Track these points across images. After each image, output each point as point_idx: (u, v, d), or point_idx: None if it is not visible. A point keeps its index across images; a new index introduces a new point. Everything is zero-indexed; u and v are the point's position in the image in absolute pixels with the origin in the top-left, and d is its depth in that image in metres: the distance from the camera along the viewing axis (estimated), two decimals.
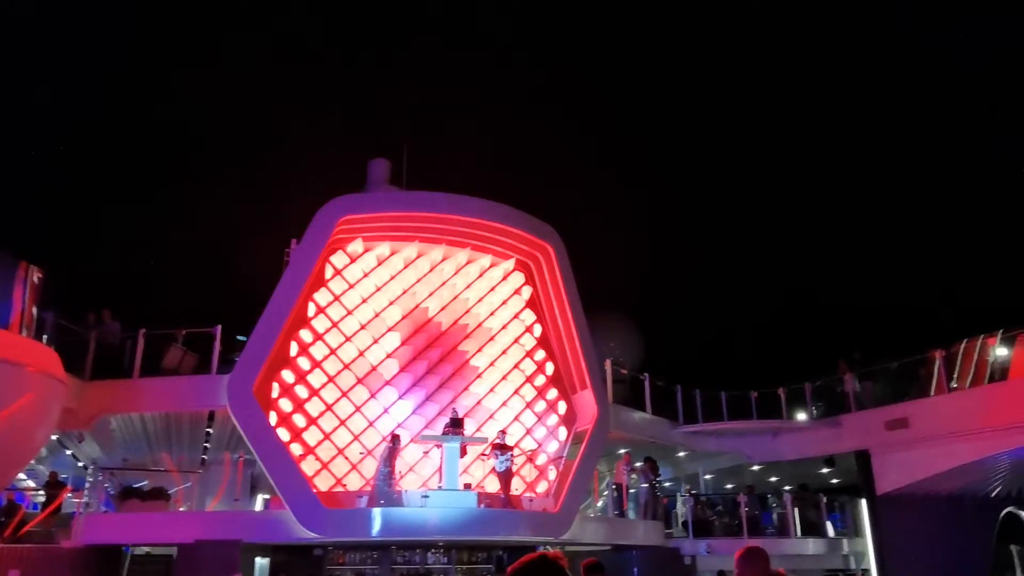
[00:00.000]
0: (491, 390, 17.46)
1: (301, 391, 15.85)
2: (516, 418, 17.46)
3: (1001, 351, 18.25)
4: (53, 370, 12.78)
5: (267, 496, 17.59)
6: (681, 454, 21.95)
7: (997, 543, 20.04)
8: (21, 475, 16.58)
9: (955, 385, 18.44)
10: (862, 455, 19.81)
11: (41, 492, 17.41)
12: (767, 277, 39.05)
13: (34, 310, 14.03)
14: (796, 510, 20.57)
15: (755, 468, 23.13)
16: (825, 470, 22.39)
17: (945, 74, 36.38)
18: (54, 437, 15.58)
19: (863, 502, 20.07)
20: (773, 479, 24.96)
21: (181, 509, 16.73)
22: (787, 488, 22.86)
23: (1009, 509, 20.12)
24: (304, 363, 16.08)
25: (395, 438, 14.79)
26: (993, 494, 19.86)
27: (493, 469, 15.82)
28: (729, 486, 25.31)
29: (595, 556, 4.51)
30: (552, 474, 17.39)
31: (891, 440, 18.95)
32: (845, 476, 22.53)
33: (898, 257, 36.49)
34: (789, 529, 20.30)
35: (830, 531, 21.23)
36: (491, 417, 17.19)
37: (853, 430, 19.90)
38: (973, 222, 35.12)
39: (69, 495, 17.20)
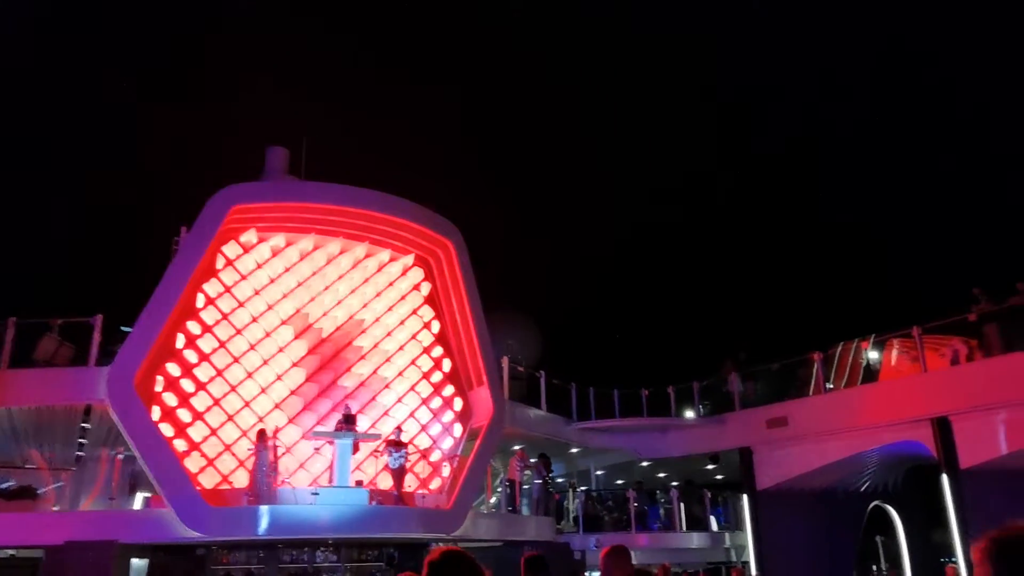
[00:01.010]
0: (386, 386, 17.27)
1: (187, 385, 15.24)
2: (411, 415, 17.34)
3: (873, 354, 19.39)
4: None
5: (148, 494, 16.83)
6: (574, 450, 22.31)
7: (864, 535, 21.30)
8: None
9: (831, 386, 19.46)
10: (745, 452, 20.65)
11: None
12: (661, 280, 40.19)
13: None
14: (682, 505, 21.27)
15: (644, 464, 23.77)
16: (710, 466, 23.23)
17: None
18: None
19: (745, 497, 20.93)
20: (661, 475, 25.70)
21: (54, 509, 15.80)
22: (674, 484, 23.59)
23: (876, 502, 21.41)
24: (191, 356, 15.46)
25: (261, 434, 14.35)
26: (862, 489, 21.08)
27: (386, 466, 15.65)
28: (619, 482, 25.91)
29: (536, 550, 4.61)
30: (446, 471, 17.35)
31: (772, 438, 19.82)
32: (729, 472, 23.43)
33: (781, 263, 38.20)
34: (675, 523, 20.98)
35: (714, 525, 22.07)
36: (386, 414, 17.00)
37: (737, 428, 20.71)
38: (854, 233, 37.18)
39: None
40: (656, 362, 32.45)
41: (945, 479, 16.44)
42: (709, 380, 22.31)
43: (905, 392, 17.50)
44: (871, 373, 19.13)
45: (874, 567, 20.42)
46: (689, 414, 22.17)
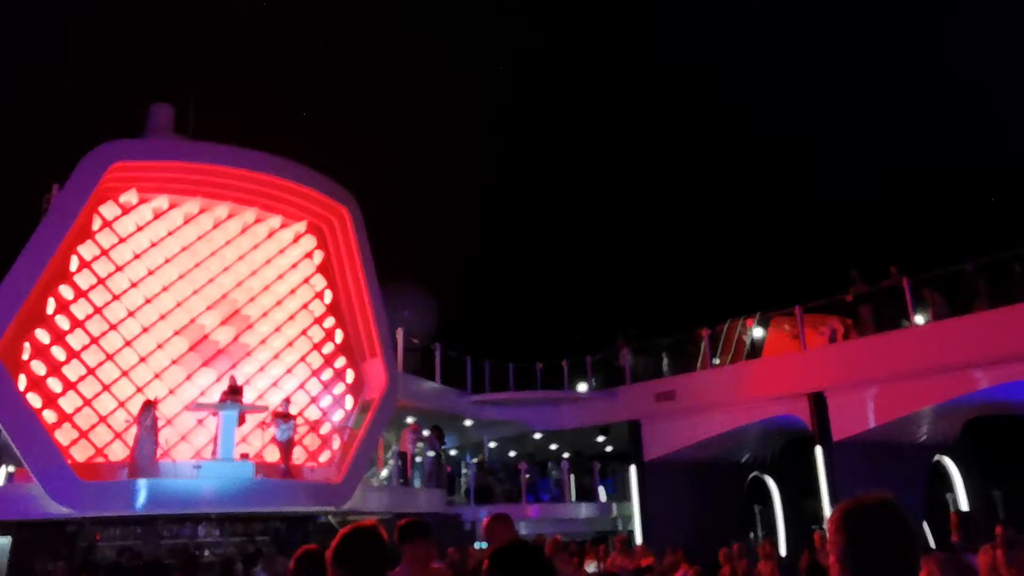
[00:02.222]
0: (275, 357, 16.76)
1: (58, 353, 14.33)
2: (301, 386, 16.92)
3: (757, 331, 20.18)
4: None
5: (12, 468, 15.82)
6: (468, 423, 22.35)
7: (743, 504, 22.30)
8: None
9: (717, 361, 20.15)
10: (634, 425, 21.17)
11: None
12: (557, 253, 40.63)
13: None
14: (572, 477, 21.68)
15: (537, 436, 24.07)
16: (600, 438, 23.75)
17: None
18: None
19: (632, 468, 21.51)
20: (553, 447, 26.11)
21: None
22: (565, 456, 24.01)
23: (755, 473, 22.42)
24: (63, 322, 14.52)
25: (147, 404, 13.70)
26: (743, 460, 22.02)
27: (274, 438, 15.22)
28: (512, 454, 26.18)
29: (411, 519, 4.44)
30: (336, 443, 17.05)
31: (659, 411, 20.39)
32: (619, 444, 24.02)
33: (673, 242, 39.24)
34: (566, 494, 21.38)
35: (602, 496, 22.61)
36: (274, 385, 16.52)
37: (627, 401, 21.20)
38: (742, 213, 38.52)
39: None
40: (551, 336, 32.88)
41: (819, 451, 17.32)
42: (602, 354, 22.71)
43: (785, 368, 18.30)
44: (755, 350, 19.91)
45: (751, 534, 21.41)
46: (582, 387, 22.53)
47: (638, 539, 20.00)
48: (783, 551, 19.65)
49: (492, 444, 24.79)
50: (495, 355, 22.30)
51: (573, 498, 21.54)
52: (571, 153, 42.52)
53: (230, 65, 36.92)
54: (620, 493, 22.98)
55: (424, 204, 40.13)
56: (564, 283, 39.64)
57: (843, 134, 38.28)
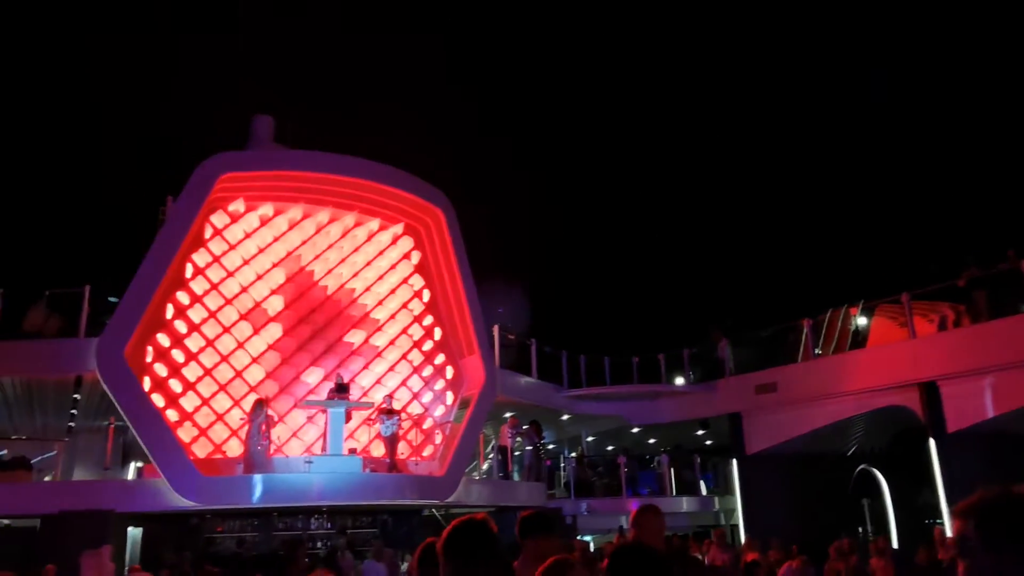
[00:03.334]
0: (378, 355, 17.30)
1: (178, 355, 15.23)
2: (403, 383, 17.40)
3: (861, 320, 19.53)
4: None
5: (140, 464, 16.91)
6: (565, 417, 22.47)
7: (851, 498, 21.61)
8: None
9: (819, 352, 19.60)
10: (734, 418, 20.83)
11: None
12: (652, 245, 40.25)
13: None
14: (672, 470, 21.51)
15: (635, 430, 23.98)
16: (700, 432, 23.47)
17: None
18: None
19: (734, 462, 21.17)
20: (652, 441, 25.95)
21: (46, 479, 15.86)
22: (664, 449, 23.84)
23: (863, 466, 21.70)
24: (181, 326, 15.42)
25: (259, 403, 14.37)
26: (849, 453, 21.35)
27: (379, 434, 15.73)
28: (610, 448, 26.16)
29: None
30: (438, 438, 17.47)
31: (761, 403, 20.00)
32: (718, 438, 23.67)
33: (771, 229, 38.28)
34: (666, 488, 21.24)
35: (703, 490, 22.35)
36: (378, 382, 17.05)
37: (726, 394, 20.88)
38: (840, 199, 37.23)
39: None
40: (646, 330, 32.64)
41: (932, 443, 16.65)
42: (699, 347, 22.43)
43: (894, 357, 17.64)
44: (860, 339, 19.27)
45: (860, 529, 20.72)
46: (679, 381, 22.32)
47: (741, 533, 19.72)
48: (895, 546, 18.97)
49: (590, 438, 24.84)
50: (590, 350, 22.35)
51: (673, 492, 21.37)
52: (666, 142, 41.99)
53: (325, 72, 38.15)
54: (722, 487, 22.67)
55: (518, 200, 40.46)
56: (659, 276, 39.25)
57: (953, 113, 36.49)
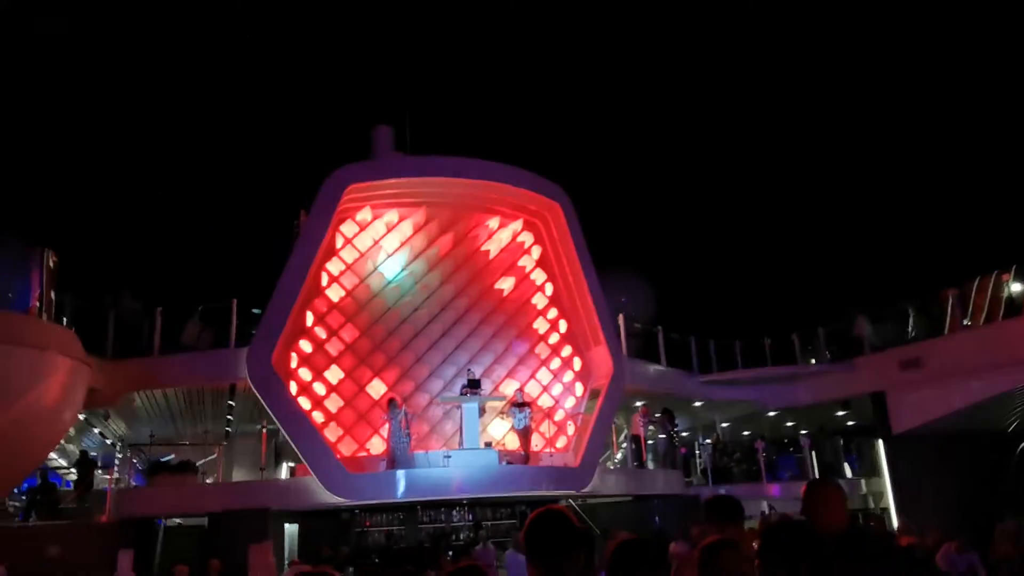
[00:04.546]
0: (506, 349, 17.63)
1: (319, 360, 16.07)
2: (532, 376, 17.66)
3: (1015, 286, 18.21)
4: (74, 352, 13.01)
5: (292, 464, 17.93)
6: (697, 404, 22.14)
7: (1015, 477, 20.21)
8: (52, 455, 16.91)
9: (968, 323, 18.44)
10: (877, 396, 19.91)
11: (72, 470, 17.81)
12: (775, 222, 38.92)
13: (52, 294, 14.26)
14: (813, 453, 20.79)
15: (771, 414, 23.32)
16: (841, 413, 22.55)
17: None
18: (81, 416, 15.89)
19: (879, 443, 20.23)
20: (789, 424, 25.15)
21: (208, 481, 17.10)
22: (803, 432, 23.05)
23: None
24: (320, 332, 16.28)
25: (391, 401, 14.92)
26: (1009, 429, 19.98)
27: (512, 427, 16.05)
28: (746, 433, 25.55)
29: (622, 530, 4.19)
30: (571, 429, 17.63)
31: (906, 380, 19.01)
32: (860, 418, 22.67)
33: (904, 197, 36.22)
34: (808, 472, 20.54)
35: (848, 473, 21.47)
36: (508, 376, 17.38)
37: (867, 372, 19.97)
38: (978, 159, 34.79)
39: (99, 472, 17.59)
40: (777, 311, 31.62)
41: None
42: (835, 325, 21.55)
43: None
44: (1014, 307, 17.98)
45: None
46: (815, 361, 21.52)
47: (892, 518, 18.87)
48: None
49: (724, 424, 24.37)
50: (720, 334, 21.89)
51: (816, 475, 20.64)
52: (787, 114, 40.49)
53: (436, 75, 39.03)
54: (867, 469, 21.71)
55: (638, 186, 40.10)
56: (786, 253, 37.91)
57: None
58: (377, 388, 16.26)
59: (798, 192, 39.72)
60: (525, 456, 15.51)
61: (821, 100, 40.10)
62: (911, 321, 19.76)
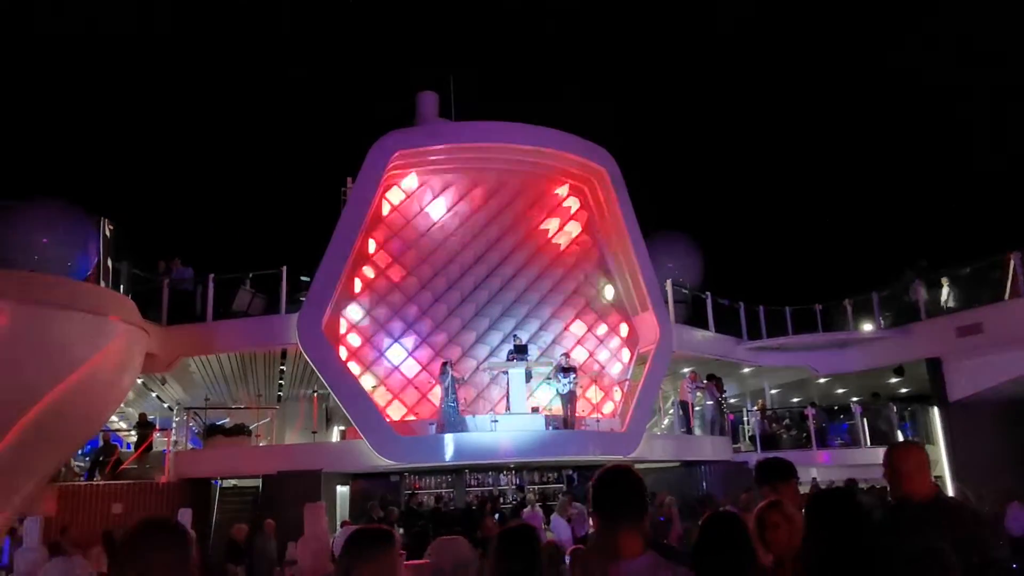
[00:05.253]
0: (553, 315, 17.61)
1: (368, 325, 16.26)
2: (579, 342, 17.62)
3: None
4: (132, 318, 13.35)
5: (343, 427, 18.27)
6: (746, 370, 21.92)
7: None
8: (113, 417, 17.48)
9: None
10: (933, 363, 19.45)
11: (132, 432, 18.41)
12: (826, 185, 37.97)
13: (109, 262, 14.63)
14: (865, 420, 20.45)
15: (821, 381, 22.97)
16: (894, 379, 22.11)
17: None
18: (139, 381, 16.36)
19: (935, 410, 19.81)
20: (840, 391, 24.76)
21: (262, 444, 17.52)
22: (855, 399, 22.68)
23: None
24: (367, 299, 16.44)
25: (444, 364, 15.03)
26: None
27: (558, 392, 16.07)
28: (795, 400, 25.24)
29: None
30: (617, 395, 17.60)
31: (963, 347, 18.52)
32: (914, 385, 22.21)
33: (963, 156, 34.96)
34: (859, 439, 20.24)
35: (901, 439, 21.08)
36: (555, 342, 17.38)
37: (923, 338, 19.49)
38: None
39: (158, 434, 18.15)
40: (828, 275, 30.95)
41: None
42: (889, 290, 21.03)
43: None
44: None
45: None
46: (868, 327, 21.08)
47: (948, 485, 18.52)
48: None
49: (773, 391, 24.08)
50: (769, 299, 21.53)
51: (868, 443, 20.33)
52: (838, 79, 39.30)
53: (477, 41, 38.69)
54: (922, 436, 21.30)
55: (686, 150, 39.45)
56: (838, 216, 37.01)
57: None
58: (425, 353, 16.40)
59: (854, 153, 38.69)
60: (569, 421, 15.53)
61: (872, 63, 38.77)
62: (970, 286, 19.17)
